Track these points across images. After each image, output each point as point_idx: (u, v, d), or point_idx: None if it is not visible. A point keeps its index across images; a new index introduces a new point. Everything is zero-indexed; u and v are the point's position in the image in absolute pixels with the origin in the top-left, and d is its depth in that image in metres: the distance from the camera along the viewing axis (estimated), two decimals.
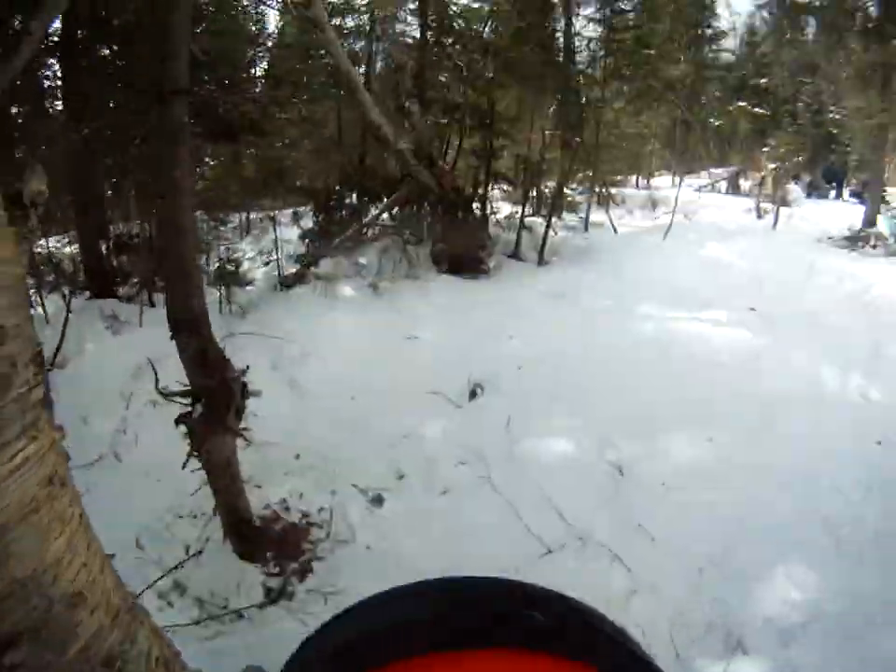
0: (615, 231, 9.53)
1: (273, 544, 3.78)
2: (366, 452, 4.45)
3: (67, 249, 8.28)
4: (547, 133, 8.95)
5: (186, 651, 3.17)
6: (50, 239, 8.53)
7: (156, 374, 3.26)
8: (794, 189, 12.45)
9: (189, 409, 3.26)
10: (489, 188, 8.72)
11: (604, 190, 10.61)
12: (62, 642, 1.17)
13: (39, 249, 7.98)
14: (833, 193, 14.34)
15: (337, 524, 3.88)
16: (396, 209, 8.10)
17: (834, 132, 14.67)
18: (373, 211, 8.20)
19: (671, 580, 3.36)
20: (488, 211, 8.46)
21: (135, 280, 7.19)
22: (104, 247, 7.44)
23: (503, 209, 9.04)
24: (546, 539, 3.56)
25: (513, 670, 0.39)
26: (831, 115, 14.52)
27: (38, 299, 6.93)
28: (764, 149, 12.47)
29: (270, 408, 4.69)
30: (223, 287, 6.70)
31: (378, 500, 4.09)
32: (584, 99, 8.92)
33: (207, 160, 8.62)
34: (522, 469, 4.05)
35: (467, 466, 4.24)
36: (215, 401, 3.21)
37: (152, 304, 6.76)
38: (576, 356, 5.25)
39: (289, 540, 3.83)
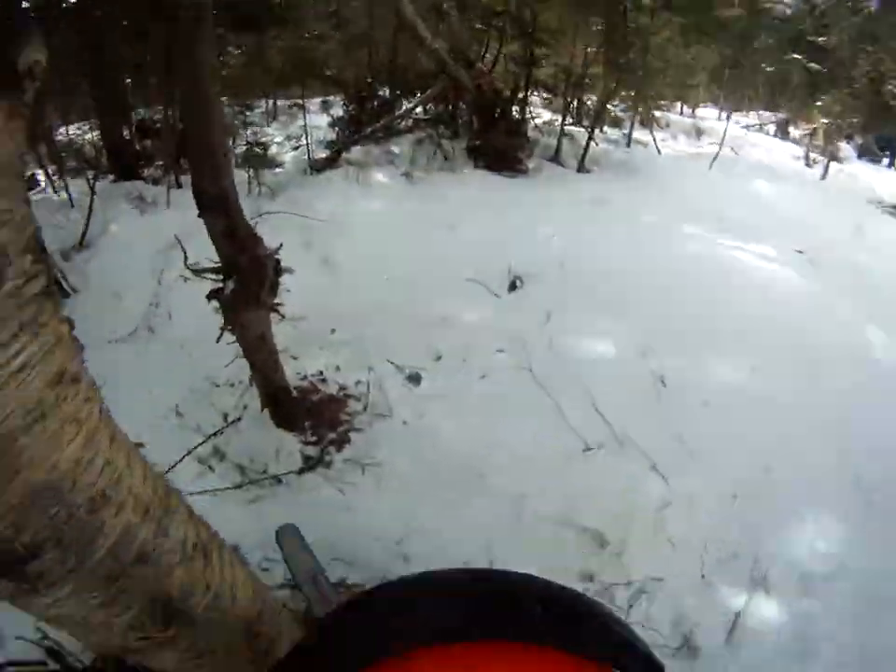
0: (658, 151, 9.14)
1: (310, 414, 3.76)
2: (402, 332, 4.36)
3: (88, 136, 8.05)
4: (591, 49, 8.49)
5: (228, 513, 3.20)
6: (70, 127, 8.34)
7: (184, 251, 3.12)
8: (845, 148, 11.93)
9: (221, 285, 3.15)
10: (529, 93, 8.37)
11: (648, 112, 10.08)
12: (87, 546, 1.08)
13: (60, 136, 7.81)
14: (885, 161, 13.62)
15: (374, 398, 3.83)
16: (430, 105, 7.76)
17: (893, 103, 13.88)
18: (406, 105, 7.83)
19: (706, 498, 3.30)
20: (528, 115, 8.12)
21: (160, 163, 6.97)
22: (126, 132, 7.18)
23: (543, 116, 8.65)
24: (585, 436, 3.48)
25: (531, 666, 0.45)
26: (890, 87, 13.70)
27: (62, 183, 6.91)
28: (817, 103, 11.80)
29: (303, 285, 4.63)
30: (251, 169, 6.48)
31: (415, 378, 4.00)
32: (632, 24, 8.34)
33: (231, 49, 8.22)
34: (562, 364, 3.92)
35: (506, 354, 4.12)
36: (246, 278, 3.11)
37: (179, 185, 6.57)
38: (619, 262, 5.03)
39: (327, 411, 3.80)
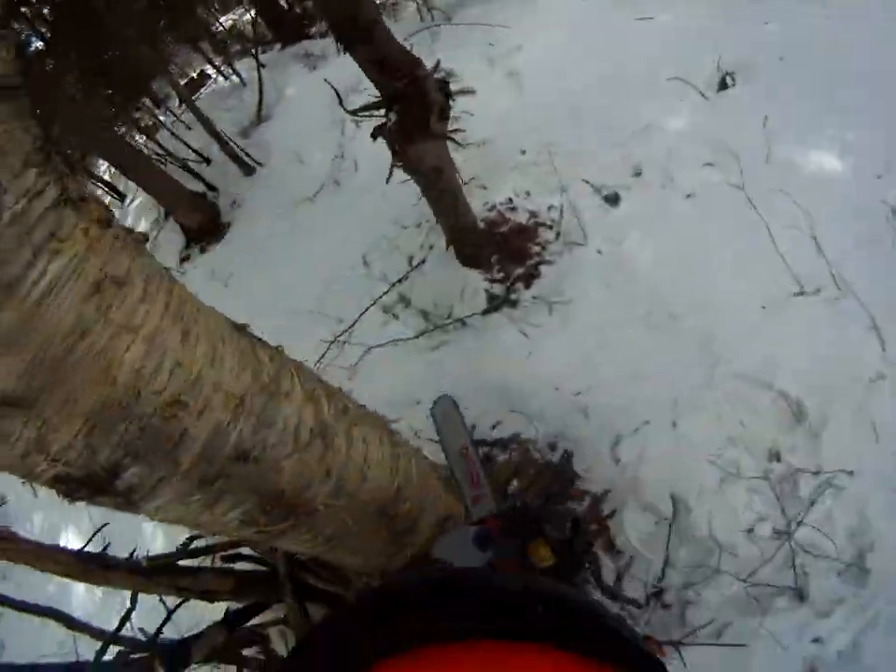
0: None
1: (498, 248, 3.52)
2: (598, 146, 3.74)
3: (247, 17, 8.00)
4: None
5: (408, 364, 3.27)
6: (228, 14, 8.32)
7: (338, 94, 2.89)
8: None
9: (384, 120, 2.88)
10: None
11: None
12: (171, 454, 1.01)
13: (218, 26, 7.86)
14: None
15: (567, 223, 3.43)
16: None
17: None
18: None
19: None
20: None
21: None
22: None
23: None
24: (800, 276, 2.75)
25: (531, 666, 0.47)
26: None
27: (230, 70, 7.09)
28: None
29: (487, 105, 4.31)
30: None
31: (613, 199, 3.47)
32: None
33: None
34: (779, 182, 3.04)
35: (715, 168, 3.32)
36: (408, 105, 2.77)
37: None
38: (861, 53, 3.50)
39: (515, 243, 3.52)
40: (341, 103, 2.96)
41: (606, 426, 2.61)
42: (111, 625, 2.47)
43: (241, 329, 1.23)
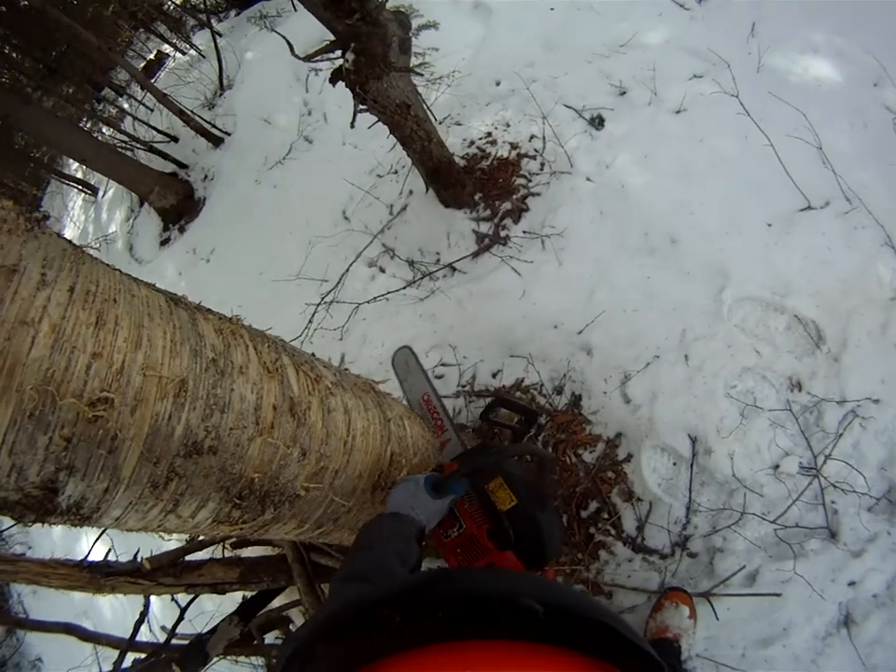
0: None
1: (480, 185, 3.31)
2: (576, 69, 3.50)
3: None
4: None
5: (399, 318, 3.10)
6: None
7: (289, 44, 2.61)
8: None
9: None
10: None
11: None
12: (109, 463, 0.89)
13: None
14: None
15: (552, 152, 3.20)
16: None
17: None
18: None
19: None
20: None
21: None
22: None
23: None
24: (806, 189, 2.52)
25: (532, 666, 0.48)
26: None
27: (187, 46, 6.99)
28: None
29: (455, 39, 4.09)
30: None
31: (598, 121, 3.24)
32: None
33: None
34: (774, 90, 2.77)
35: (704, 80, 3.07)
36: (364, 42, 2.54)
37: None
38: None
39: (499, 177, 3.30)
40: (293, 52, 2.73)
41: (612, 364, 2.45)
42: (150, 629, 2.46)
43: (177, 300, 1.07)
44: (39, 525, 0.95)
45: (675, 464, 2.24)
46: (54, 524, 0.95)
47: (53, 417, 0.82)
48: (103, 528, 1.12)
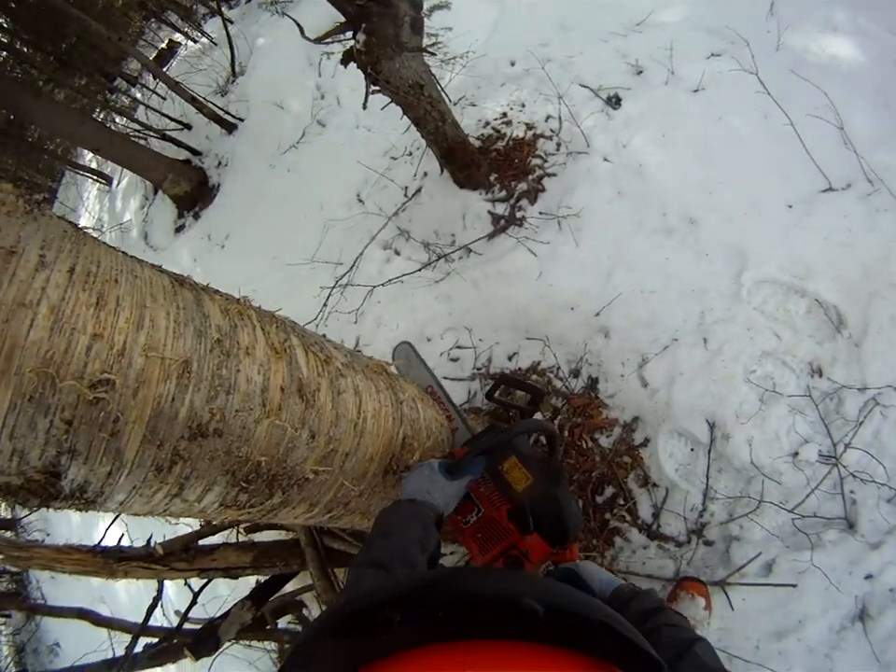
0: None
1: (496, 165, 3.27)
2: (591, 48, 3.44)
3: None
4: None
5: (414, 300, 3.08)
6: None
7: (299, 27, 2.60)
8: None
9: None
10: None
11: None
12: (112, 446, 0.87)
13: None
14: None
15: (568, 132, 3.15)
16: None
17: None
18: None
19: None
20: None
21: None
22: None
23: None
24: (827, 170, 2.45)
25: (532, 666, 0.48)
26: None
27: (198, 34, 6.99)
28: None
29: (468, 19, 4.12)
30: None
31: (615, 100, 3.17)
32: None
33: None
34: (794, 69, 2.69)
35: (722, 58, 2.99)
36: (375, 22, 2.50)
37: None
38: None
39: (514, 158, 3.25)
40: (303, 34, 2.70)
41: (630, 347, 2.41)
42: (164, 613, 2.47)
43: (182, 281, 1.05)
44: (45, 509, 0.94)
45: (692, 449, 2.20)
46: (59, 508, 0.94)
47: (53, 400, 0.80)
48: (114, 513, 1.11)
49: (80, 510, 0.97)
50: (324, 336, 1.46)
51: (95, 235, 0.99)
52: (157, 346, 0.89)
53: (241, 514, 1.17)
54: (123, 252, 1.01)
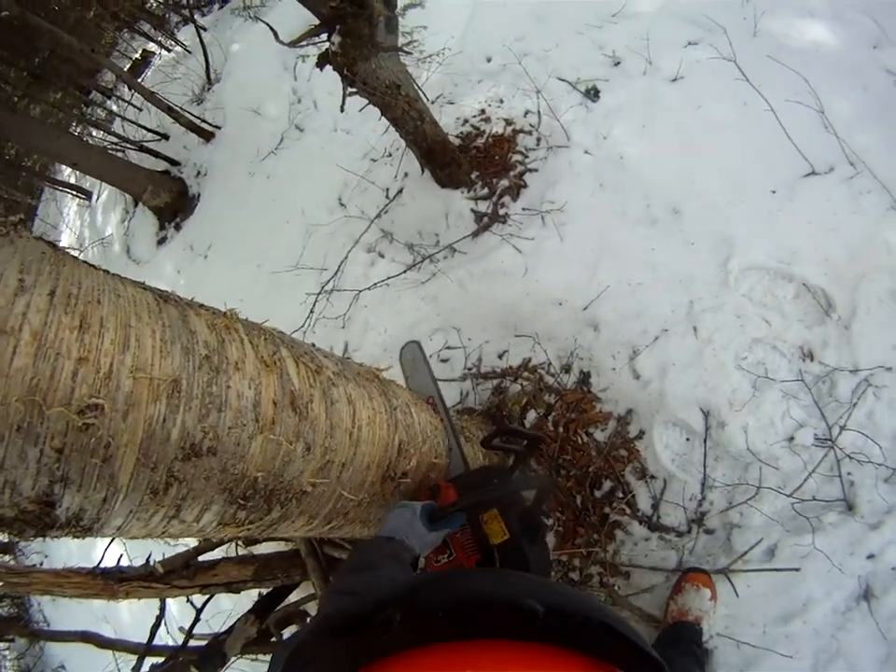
0: None
1: (476, 163, 3.26)
2: (567, 41, 3.43)
3: None
4: None
5: (401, 303, 3.06)
6: None
7: (273, 31, 2.63)
8: None
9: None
10: None
11: None
12: (105, 472, 0.86)
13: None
14: None
15: (548, 126, 3.15)
16: None
17: None
18: None
19: None
20: None
21: None
22: None
23: None
24: (809, 154, 2.45)
25: (533, 666, 0.48)
26: None
27: (172, 43, 6.96)
28: None
29: (442, 18, 4.11)
30: None
31: (593, 93, 3.17)
32: None
33: None
34: (772, 55, 2.69)
35: (699, 46, 2.99)
36: (349, 24, 2.48)
37: None
38: None
39: (495, 155, 3.24)
40: (277, 38, 2.69)
41: (620, 339, 2.41)
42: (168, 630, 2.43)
43: (166, 297, 1.03)
44: (42, 539, 0.92)
45: (688, 439, 2.20)
46: (56, 537, 0.92)
47: (42, 428, 0.78)
48: (113, 538, 1.10)
49: (78, 537, 0.95)
50: (313, 345, 1.45)
51: (76, 253, 0.97)
52: (144, 367, 0.87)
53: (241, 531, 1.15)
54: (105, 270, 0.99)
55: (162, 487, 0.93)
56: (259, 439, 1.06)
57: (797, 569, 1.85)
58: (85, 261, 0.95)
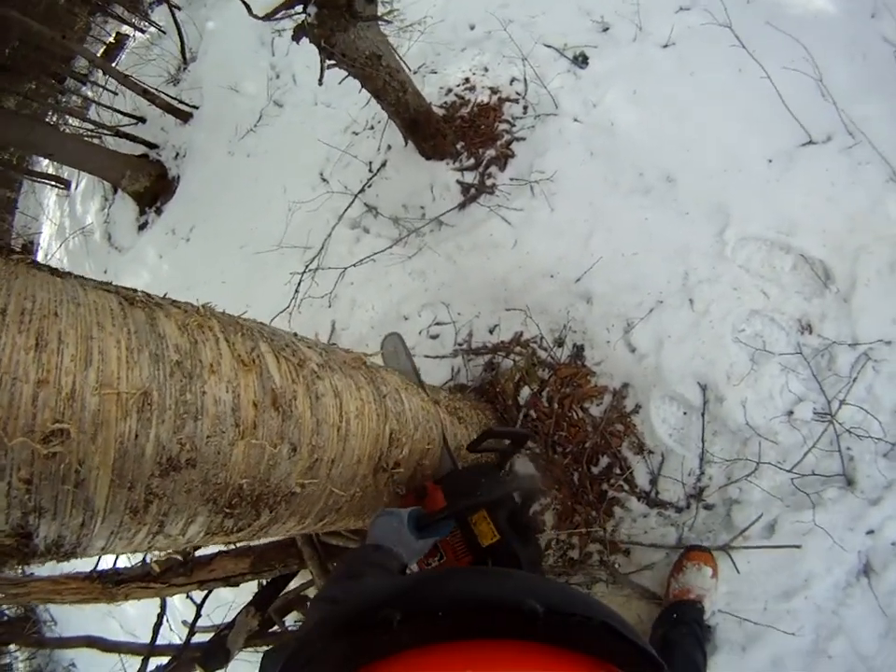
0: None
1: (461, 133, 3.18)
2: (554, 5, 3.27)
3: None
4: None
5: (388, 279, 3.00)
6: None
7: (245, 4, 2.50)
8: None
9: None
10: None
11: None
12: (80, 497, 0.81)
13: None
14: None
15: (535, 94, 3.05)
16: None
17: None
18: None
19: None
20: None
21: None
22: None
23: None
24: (806, 123, 2.38)
25: (532, 666, 0.48)
26: None
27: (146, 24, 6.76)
28: None
29: None
30: None
31: (581, 59, 3.07)
32: None
33: None
34: (769, 21, 2.57)
35: (692, 12, 2.86)
36: None
37: None
38: None
39: (480, 124, 3.16)
40: (250, 12, 2.59)
41: (614, 312, 2.36)
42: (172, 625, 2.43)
43: (132, 299, 0.96)
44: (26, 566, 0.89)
45: (685, 413, 2.17)
46: (41, 563, 0.89)
47: (7, 461, 0.73)
48: (99, 557, 1.06)
49: (63, 561, 0.91)
50: (295, 334, 1.39)
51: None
52: (110, 382, 0.82)
53: (230, 539, 1.11)
54: (64, 274, 0.93)
55: (142, 506, 0.89)
56: (241, 444, 1.01)
57: (798, 546, 1.85)
58: (40, 266, 0.89)
